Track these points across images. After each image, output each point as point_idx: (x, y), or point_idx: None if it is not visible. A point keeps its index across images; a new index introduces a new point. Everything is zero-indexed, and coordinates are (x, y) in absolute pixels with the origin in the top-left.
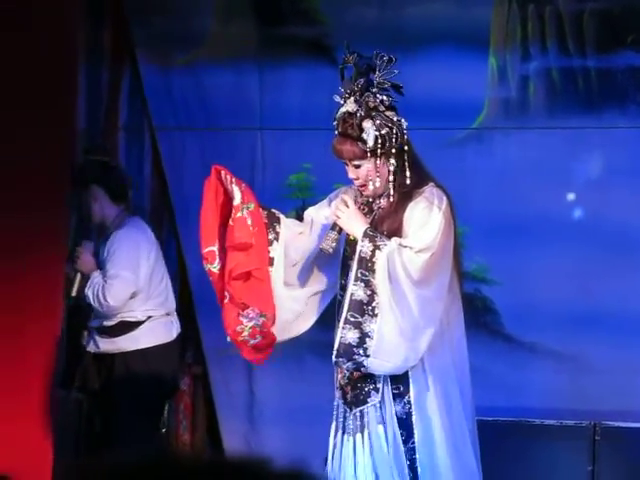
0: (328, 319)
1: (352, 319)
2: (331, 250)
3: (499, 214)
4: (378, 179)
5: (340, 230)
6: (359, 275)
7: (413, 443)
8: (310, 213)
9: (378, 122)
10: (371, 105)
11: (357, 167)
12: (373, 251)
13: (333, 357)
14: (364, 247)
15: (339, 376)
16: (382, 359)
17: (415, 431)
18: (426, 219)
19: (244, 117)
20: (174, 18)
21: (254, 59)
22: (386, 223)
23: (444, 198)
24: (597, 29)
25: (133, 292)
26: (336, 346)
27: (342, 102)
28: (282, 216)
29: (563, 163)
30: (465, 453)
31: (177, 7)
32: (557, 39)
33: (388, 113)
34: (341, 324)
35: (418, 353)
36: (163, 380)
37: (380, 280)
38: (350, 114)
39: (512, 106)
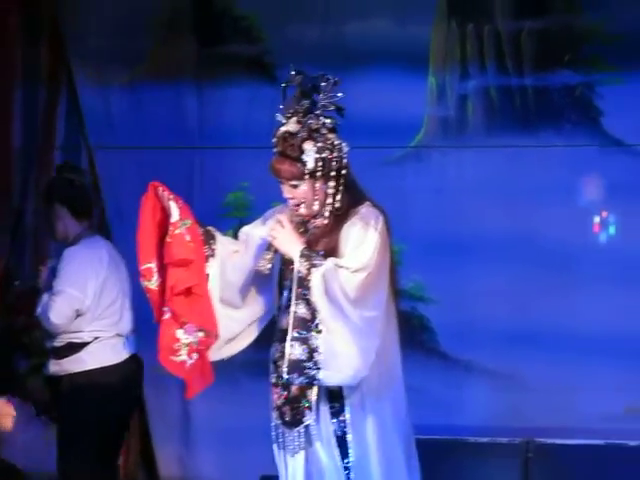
0: (261, 339)
1: (298, 335)
2: (267, 271)
3: (436, 232)
4: (315, 201)
5: (276, 250)
6: (299, 294)
7: (348, 462)
8: (245, 232)
9: (320, 145)
10: (313, 127)
11: (294, 187)
12: (309, 269)
13: (284, 375)
14: (301, 267)
15: (275, 397)
16: (333, 370)
17: (350, 450)
18: (362, 239)
19: (183, 136)
20: (112, 37)
21: (193, 78)
22: (322, 243)
23: (380, 217)
24: (535, 48)
25: (77, 310)
26: (286, 363)
27: (284, 121)
28: (218, 233)
29: (500, 181)
30: (399, 472)
31: (115, 26)
32: (495, 58)
33: (330, 136)
34: (288, 341)
35: (367, 362)
36: (109, 403)
37: (317, 298)
38: (291, 134)
39: (450, 125)
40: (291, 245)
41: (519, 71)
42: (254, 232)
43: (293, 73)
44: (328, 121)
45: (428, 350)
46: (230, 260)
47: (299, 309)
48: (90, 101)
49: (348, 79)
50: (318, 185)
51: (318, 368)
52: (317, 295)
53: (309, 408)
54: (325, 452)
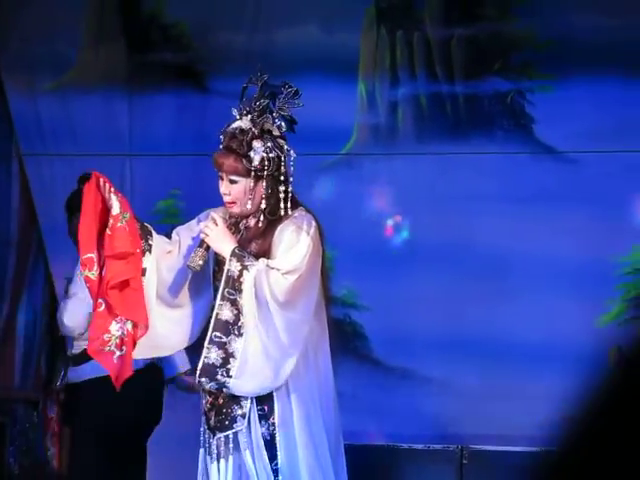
0: (195, 342)
1: (216, 339)
2: (198, 268)
3: (368, 239)
4: (250, 201)
5: (208, 247)
6: (225, 294)
7: (276, 465)
8: (178, 232)
9: (269, 145)
10: (266, 128)
11: (233, 183)
12: (241, 271)
13: (196, 377)
14: (232, 266)
15: (203, 402)
16: (244, 380)
17: (278, 453)
18: (294, 242)
19: (113, 143)
20: (41, 43)
21: (123, 85)
22: (254, 244)
23: (313, 222)
24: (465, 55)
25: (91, 313)
26: (199, 365)
27: (237, 117)
28: (153, 230)
29: (432, 188)
30: (326, 471)
31: (44, 32)
32: (425, 65)
33: (280, 140)
34: (205, 343)
35: (281, 375)
36: (125, 410)
37: (247, 300)
38: (242, 131)
39: (381, 132)
40: (223, 244)
41: (449, 78)
42: (187, 233)
43: (258, 75)
44: (282, 125)
45: (361, 357)
46: (164, 259)
47: (222, 311)
48: (19, 108)
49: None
50: (258, 185)
51: (230, 376)
52: (247, 297)
53: (242, 415)
54: (254, 457)
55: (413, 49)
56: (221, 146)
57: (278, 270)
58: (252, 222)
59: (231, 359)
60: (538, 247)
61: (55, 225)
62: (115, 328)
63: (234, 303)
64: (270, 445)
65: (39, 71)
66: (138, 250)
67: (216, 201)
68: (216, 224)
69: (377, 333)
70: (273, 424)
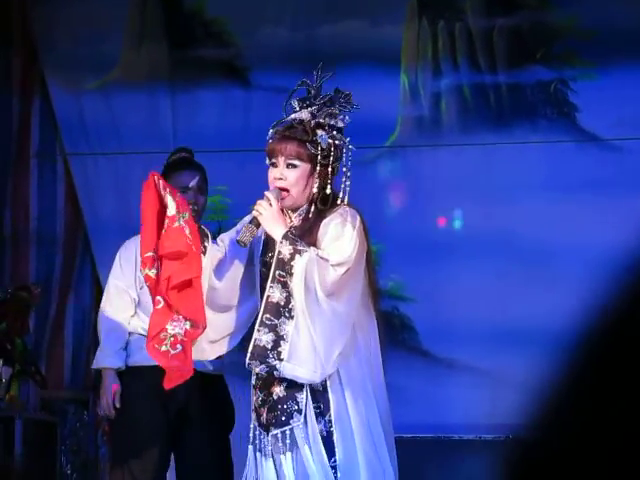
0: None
1: (267, 322)
2: (248, 244)
3: (414, 231)
4: (304, 189)
5: (258, 225)
6: (276, 276)
7: (335, 462)
8: (222, 239)
9: (333, 133)
10: (326, 121)
11: (291, 167)
12: (292, 254)
13: (247, 359)
14: (283, 249)
15: (254, 398)
16: (295, 363)
17: (336, 449)
18: (340, 234)
19: (157, 140)
20: (84, 42)
21: (166, 82)
22: (301, 239)
23: (357, 216)
24: (507, 45)
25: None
26: (250, 349)
27: (297, 108)
28: (209, 234)
29: (476, 179)
30: (386, 467)
31: (87, 31)
32: (467, 55)
33: (338, 134)
34: (256, 326)
35: (330, 363)
36: (136, 406)
37: (296, 284)
38: (301, 121)
39: (425, 123)
40: (276, 225)
41: (492, 68)
42: (230, 240)
43: (303, 81)
44: (347, 118)
45: (410, 349)
46: (213, 264)
47: (273, 293)
48: (64, 108)
49: (322, 82)
50: (314, 174)
51: (280, 359)
52: (297, 281)
53: (299, 411)
54: (312, 453)
55: (455, 40)
56: (275, 136)
57: (327, 261)
58: (297, 220)
59: (282, 342)
60: (583, 236)
61: (101, 224)
62: (170, 327)
63: (285, 285)
64: (328, 442)
65: (83, 70)
66: (194, 249)
67: (262, 197)
68: (270, 205)
69: (424, 324)
70: (330, 421)
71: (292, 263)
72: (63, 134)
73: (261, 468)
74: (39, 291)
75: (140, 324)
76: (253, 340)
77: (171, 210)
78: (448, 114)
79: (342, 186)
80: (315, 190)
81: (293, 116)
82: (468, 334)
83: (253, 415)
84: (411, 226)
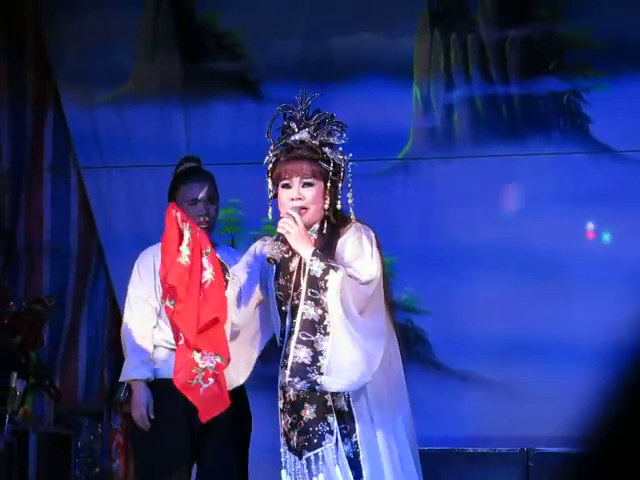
0: (267, 354)
1: (304, 338)
2: (278, 260)
3: (427, 244)
4: (323, 205)
5: (285, 242)
6: (309, 294)
7: None
8: (234, 272)
9: (337, 151)
10: (329, 140)
11: (307, 186)
12: (325, 270)
13: (287, 377)
14: (314, 266)
15: (282, 422)
16: (335, 376)
17: (364, 471)
18: (360, 252)
19: (170, 153)
20: (96, 56)
21: (179, 95)
22: None
23: (371, 231)
24: (519, 56)
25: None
26: (289, 366)
27: (296, 129)
28: (227, 267)
29: (489, 191)
30: None
31: (99, 44)
32: (480, 67)
33: (340, 149)
34: (293, 344)
35: (371, 368)
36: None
37: (332, 299)
38: (303, 142)
39: (437, 135)
40: (303, 243)
41: (504, 79)
42: (243, 272)
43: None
44: (345, 135)
45: (424, 361)
46: (233, 300)
47: (307, 311)
48: (77, 121)
49: (332, 93)
50: (327, 189)
51: (321, 373)
52: (332, 295)
53: (330, 432)
54: (341, 475)
55: (467, 51)
56: (281, 159)
57: (357, 280)
58: (313, 236)
59: (320, 357)
60: (596, 247)
61: (114, 237)
62: (200, 361)
63: (318, 302)
64: (355, 463)
65: (95, 83)
66: (221, 284)
67: (275, 209)
68: (296, 223)
69: (438, 337)
70: (355, 442)
71: (326, 278)
72: (76, 147)
73: None
74: (53, 304)
75: (162, 335)
76: (292, 358)
77: (183, 244)
78: (460, 126)
79: (349, 201)
80: (326, 206)
81: (293, 138)
82: (482, 346)
83: (282, 439)
84: (424, 238)
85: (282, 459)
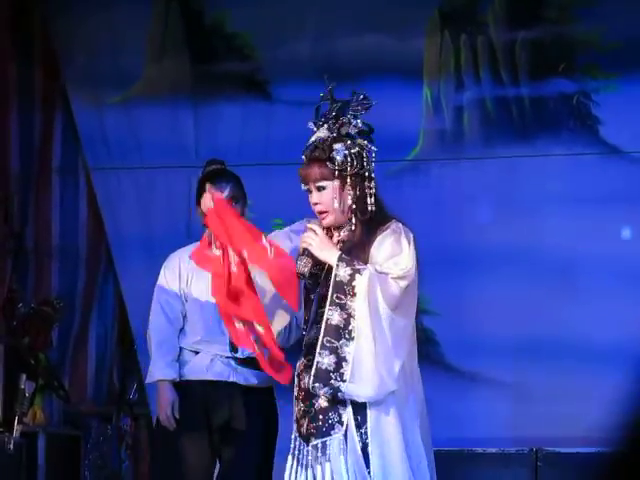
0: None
1: (328, 344)
2: (307, 274)
3: (437, 245)
4: (340, 205)
5: (311, 255)
6: (334, 299)
7: (369, 473)
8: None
9: (349, 142)
10: (343, 131)
11: (322, 189)
12: (352, 275)
13: (310, 383)
14: (340, 272)
15: (296, 409)
16: (358, 384)
17: (371, 461)
18: (397, 251)
19: (179, 155)
20: (105, 57)
21: (188, 96)
22: (352, 256)
23: (410, 233)
24: (529, 58)
25: None
26: (313, 372)
27: (315, 129)
28: None
29: (499, 192)
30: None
31: (109, 46)
32: (490, 69)
33: (359, 140)
34: (317, 349)
35: (391, 379)
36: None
37: (359, 304)
38: (322, 140)
39: (447, 137)
40: (328, 251)
41: (514, 81)
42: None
43: (323, 94)
44: (359, 122)
45: (433, 362)
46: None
47: (332, 316)
48: (86, 123)
49: (342, 94)
50: (345, 186)
51: (343, 380)
52: (360, 300)
53: (340, 422)
54: (347, 464)
55: (477, 53)
56: (304, 159)
57: (387, 275)
58: (344, 234)
59: (343, 363)
60: (606, 248)
61: (123, 238)
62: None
63: (343, 308)
64: (363, 453)
65: (105, 85)
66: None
67: (285, 210)
68: (316, 233)
69: (448, 338)
70: (366, 433)
71: (353, 284)
72: (85, 149)
73: (296, 478)
74: (62, 306)
75: (184, 339)
76: (315, 363)
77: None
78: (470, 127)
79: (366, 191)
80: (350, 202)
81: (313, 138)
82: (491, 348)
83: (294, 426)
84: (433, 239)
85: (292, 445)
